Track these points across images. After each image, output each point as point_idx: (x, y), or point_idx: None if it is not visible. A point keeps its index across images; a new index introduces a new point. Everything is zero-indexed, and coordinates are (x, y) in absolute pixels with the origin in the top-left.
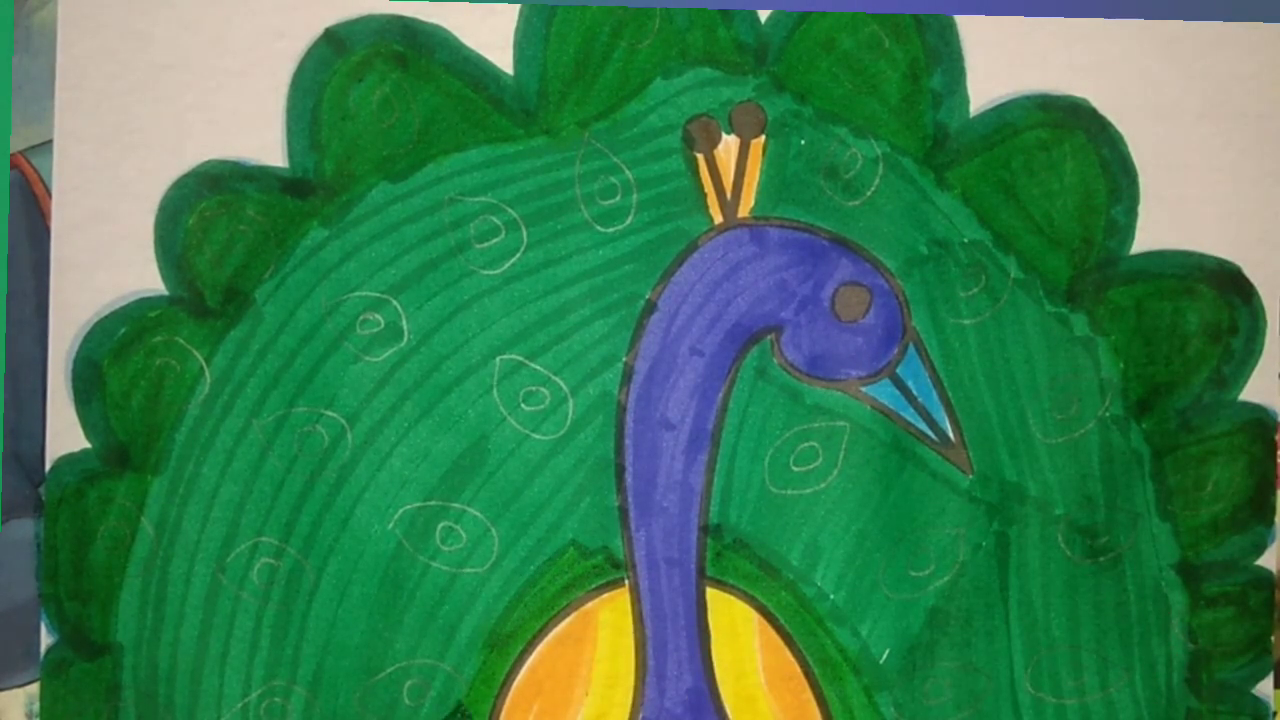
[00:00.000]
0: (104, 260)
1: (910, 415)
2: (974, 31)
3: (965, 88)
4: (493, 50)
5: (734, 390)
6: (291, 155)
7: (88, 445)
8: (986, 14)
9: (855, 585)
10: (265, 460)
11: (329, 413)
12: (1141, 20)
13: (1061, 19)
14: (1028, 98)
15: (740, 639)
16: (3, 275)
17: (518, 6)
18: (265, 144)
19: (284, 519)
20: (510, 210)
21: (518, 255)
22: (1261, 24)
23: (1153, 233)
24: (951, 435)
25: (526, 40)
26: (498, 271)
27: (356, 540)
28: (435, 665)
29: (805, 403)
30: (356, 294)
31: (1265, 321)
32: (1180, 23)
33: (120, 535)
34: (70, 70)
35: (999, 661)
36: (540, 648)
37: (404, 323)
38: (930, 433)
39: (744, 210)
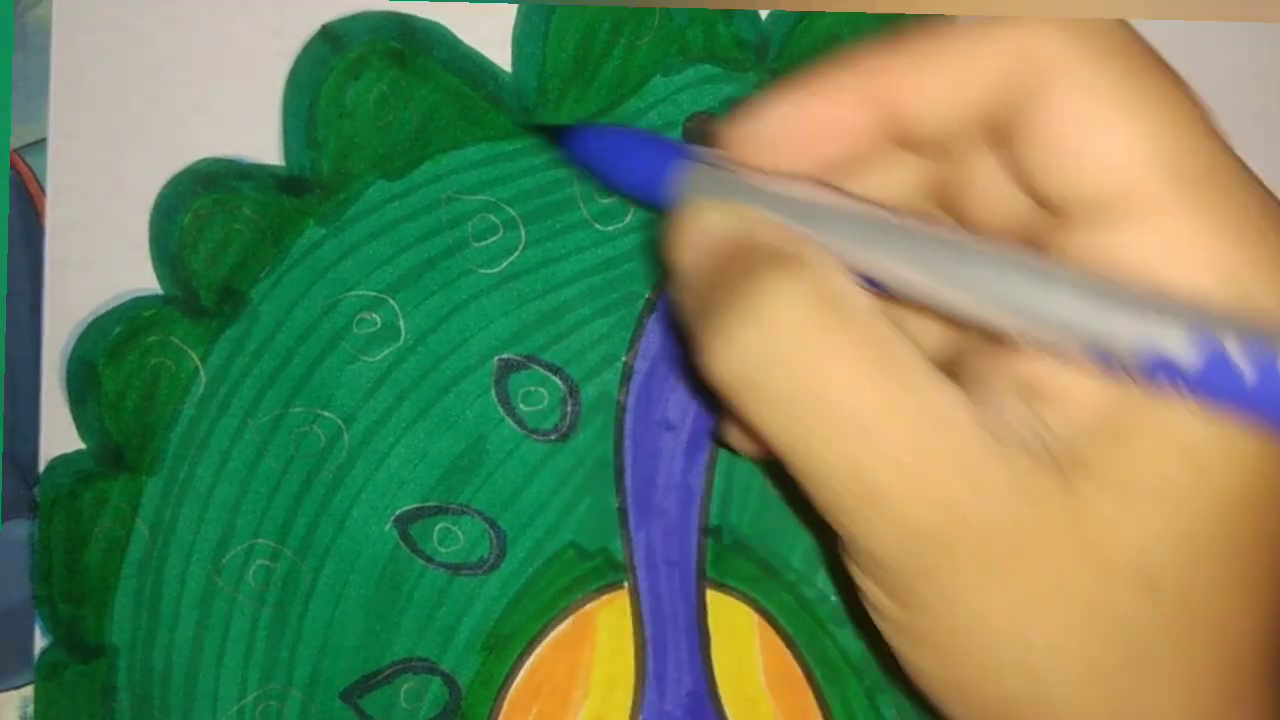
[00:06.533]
0: (99, 259)
1: None
2: None
3: None
4: (491, 47)
5: None
6: (288, 153)
7: (82, 446)
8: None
9: None
10: (261, 461)
11: (326, 413)
12: (1141, 20)
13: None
14: None
15: (741, 641)
16: (2, 274)
17: (516, 3)
18: (261, 142)
19: (280, 520)
20: (508, 208)
21: (516, 253)
22: (1262, 24)
23: None
24: None
25: (525, 37)
26: (496, 270)
27: (353, 541)
28: (433, 667)
29: None
30: (353, 293)
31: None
32: (1180, 23)
33: (115, 537)
34: (65, 68)
35: None
36: (539, 650)
37: (401, 322)
38: None
39: None
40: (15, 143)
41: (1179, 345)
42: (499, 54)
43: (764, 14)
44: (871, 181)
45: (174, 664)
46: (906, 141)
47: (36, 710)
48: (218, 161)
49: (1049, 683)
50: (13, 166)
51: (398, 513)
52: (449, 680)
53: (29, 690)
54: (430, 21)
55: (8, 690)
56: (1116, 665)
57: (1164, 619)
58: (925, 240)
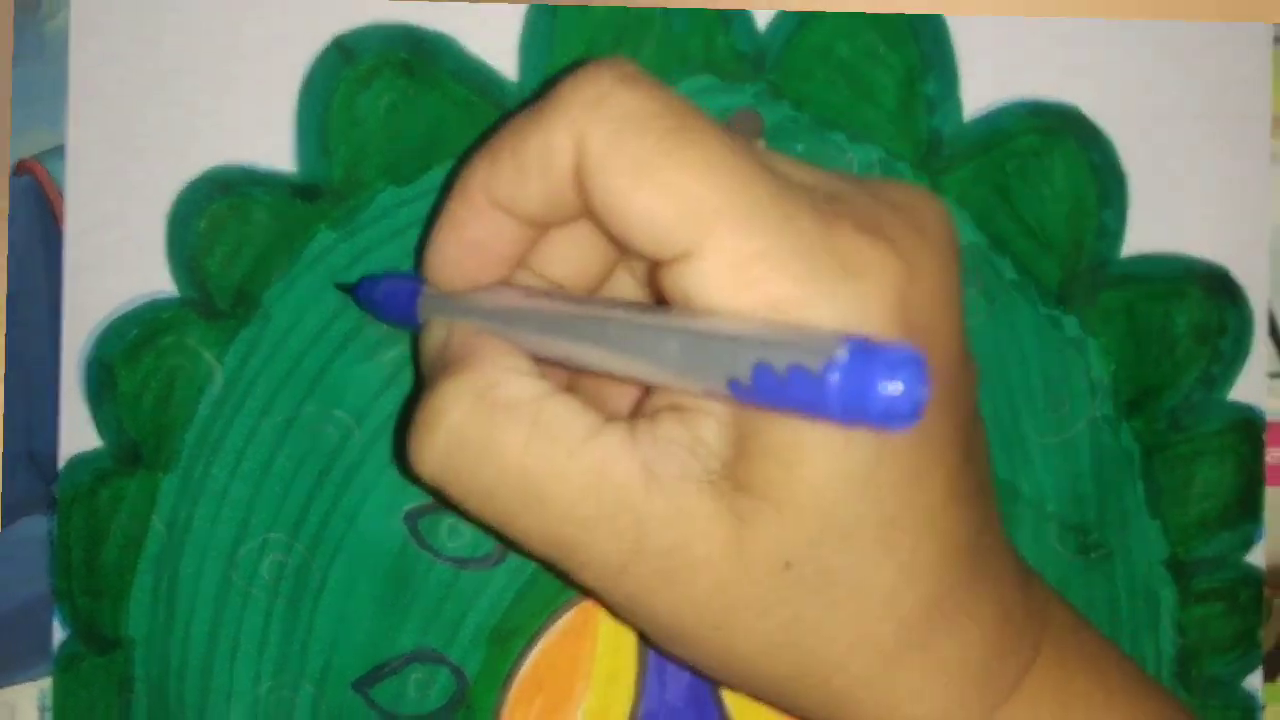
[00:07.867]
0: (116, 263)
1: None
2: (967, 34)
3: (958, 93)
4: (497, 56)
5: None
6: (301, 160)
7: (100, 445)
8: (985, 14)
9: None
10: (275, 459)
11: (337, 412)
12: (1134, 20)
13: (1055, 19)
14: (1019, 104)
15: None
16: (10, 277)
17: (522, 12)
18: (275, 149)
19: (293, 516)
20: None
21: None
22: (1254, 25)
23: (1143, 236)
24: None
25: (530, 46)
26: None
27: (364, 537)
28: (441, 658)
29: None
30: None
31: (1253, 323)
32: (1173, 23)
33: (132, 532)
34: (83, 76)
35: None
36: (542, 643)
37: None
38: None
39: None
40: (35, 149)
41: (741, 368)
42: (504, 63)
43: (761, 25)
44: (567, 251)
45: (190, 656)
46: (544, 228)
47: (55, 701)
48: (232, 168)
49: (739, 659)
50: (32, 172)
51: (407, 509)
52: (456, 671)
53: (47, 682)
54: (437, 32)
55: (27, 681)
56: (785, 635)
57: (815, 591)
58: (567, 321)
